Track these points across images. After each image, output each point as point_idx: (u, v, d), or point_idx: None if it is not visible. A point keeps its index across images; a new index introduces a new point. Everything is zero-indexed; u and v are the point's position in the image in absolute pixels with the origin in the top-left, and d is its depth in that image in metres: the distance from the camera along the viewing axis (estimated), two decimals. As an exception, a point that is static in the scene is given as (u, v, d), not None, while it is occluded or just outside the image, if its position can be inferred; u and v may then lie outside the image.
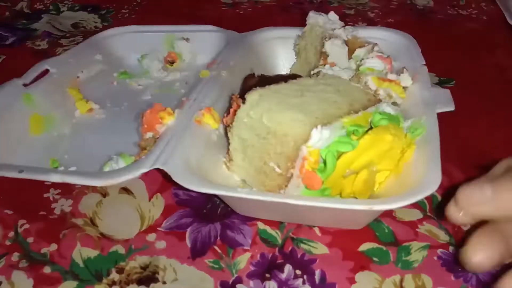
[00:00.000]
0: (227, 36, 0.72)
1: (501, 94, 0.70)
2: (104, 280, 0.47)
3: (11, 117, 0.60)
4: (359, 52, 0.59)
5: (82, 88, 0.70)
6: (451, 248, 0.48)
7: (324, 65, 0.59)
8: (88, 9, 0.97)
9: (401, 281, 0.45)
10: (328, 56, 0.60)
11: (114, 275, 0.47)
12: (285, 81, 0.52)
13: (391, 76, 0.56)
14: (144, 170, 0.47)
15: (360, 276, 0.46)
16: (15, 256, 0.49)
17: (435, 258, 0.48)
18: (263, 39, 0.69)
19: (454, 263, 0.47)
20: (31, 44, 0.85)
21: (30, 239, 0.51)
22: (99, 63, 0.74)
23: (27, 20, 0.93)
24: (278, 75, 0.65)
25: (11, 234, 0.52)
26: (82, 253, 0.49)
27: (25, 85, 0.64)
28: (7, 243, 0.51)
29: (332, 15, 0.65)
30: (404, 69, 0.57)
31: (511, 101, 0.68)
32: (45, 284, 0.47)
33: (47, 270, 0.48)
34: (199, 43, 0.76)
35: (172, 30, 0.77)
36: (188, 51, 0.77)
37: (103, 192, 0.56)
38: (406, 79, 0.56)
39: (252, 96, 0.48)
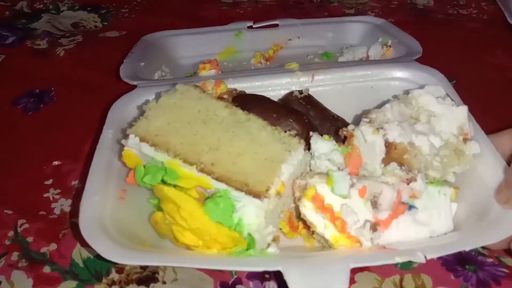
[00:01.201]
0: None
1: (501, 94, 0.70)
2: (104, 280, 0.47)
3: (217, 38, 0.78)
4: (392, 168, 0.45)
5: (285, 48, 0.80)
6: (451, 248, 0.48)
7: (348, 143, 0.49)
8: (88, 9, 0.97)
9: (401, 281, 0.45)
10: (353, 138, 0.49)
11: (114, 275, 0.47)
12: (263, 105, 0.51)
13: (353, 223, 0.42)
14: None
15: (360, 276, 0.46)
16: (14, 256, 0.49)
17: (435, 258, 0.47)
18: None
19: (454, 262, 0.47)
20: (31, 43, 0.85)
21: (30, 239, 0.51)
22: (324, 39, 0.81)
23: (27, 19, 0.93)
24: (322, 108, 0.58)
25: (11, 233, 0.52)
26: (82, 253, 0.49)
27: (249, 27, 0.79)
28: (7, 242, 0.51)
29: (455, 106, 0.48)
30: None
31: (511, 100, 0.68)
32: (45, 283, 0.47)
33: (46, 269, 0.48)
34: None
35: None
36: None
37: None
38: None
39: (168, 99, 0.49)
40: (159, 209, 0.45)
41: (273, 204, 0.42)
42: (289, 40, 0.80)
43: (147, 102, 0.52)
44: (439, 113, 0.48)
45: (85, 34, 0.88)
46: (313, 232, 0.45)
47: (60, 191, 0.56)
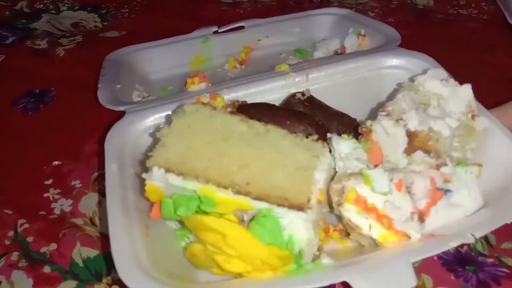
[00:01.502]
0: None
1: (501, 93, 0.70)
2: (104, 280, 0.47)
3: (184, 48, 0.75)
4: (417, 157, 0.45)
5: (255, 49, 0.78)
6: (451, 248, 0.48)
7: (366, 139, 0.48)
8: (88, 9, 0.97)
9: (401, 281, 0.45)
10: (372, 133, 0.48)
11: (114, 275, 0.47)
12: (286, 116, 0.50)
13: (399, 219, 0.41)
14: None
15: (360, 276, 0.46)
16: (14, 256, 0.49)
17: (435, 258, 0.48)
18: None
19: (454, 262, 0.47)
20: (31, 43, 0.85)
21: (30, 239, 0.51)
22: (292, 35, 0.80)
23: (27, 19, 0.93)
24: (324, 106, 0.57)
25: (11, 233, 0.52)
26: (82, 252, 0.49)
27: (215, 32, 0.76)
28: (7, 242, 0.51)
29: (465, 89, 0.50)
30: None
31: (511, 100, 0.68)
32: (45, 283, 0.47)
33: (46, 269, 0.48)
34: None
35: None
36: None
37: (103, 192, 0.56)
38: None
39: (180, 122, 0.46)
40: (189, 239, 0.43)
41: (315, 214, 0.41)
42: (259, 40, 0.79)
43: (154, 126, 0.51)
44: (446, 95, 0.49)
45: (85, 34, 0.88)
46: (348, 233, 0.45)
47: (60, 191, 0.56)
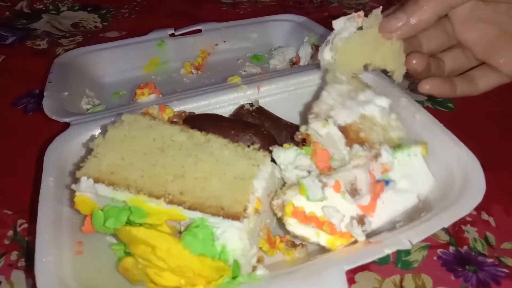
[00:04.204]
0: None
1: (501, 92, 0.70)
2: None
3: (138, 50, 0.73)
4: (355, 151, 0.44)
5: (212, 53, 0.78)
6: (451, 248, 0.48)
7: (309, 143, 0.47)
8: (88, 9, 0.97)
9: (401, 281, 0.45)
10: (310, 136, 0.47)
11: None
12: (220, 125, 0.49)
13: (340, 222, 0.40)
14: None
15: (360, 276, 0.46)
16: (13, 255, 0.49)
17: (435, 258, 0.48)
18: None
19: (454, 262, 0.47)
20: (31, 44, 0.85)
21: (29, 238, 0.51)
22: (250, 41, 0.80)
23: (27, 19, 0.93)
24: (272, 116, 0.57)
25: (10, 233, 0.52)
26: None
27: (171, 35, 0.75)
28: (6, 242, 0.51)
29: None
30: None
31: (510, 100, 0.68)
32: (44, 283, 0.46)
33: (46, 269, 0.48)
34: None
35: None
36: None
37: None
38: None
39: (116, 133, 0.45)
40: (127, 253, 0.41)
41: (253, 223, 0.40)
42: (216, 45, 0.78)
43: (92, 138, 0.49)
44: None
45: (85, 34, 0.88)
46: (294, 244, 0.45)
47: (59, 191, 0.56)
